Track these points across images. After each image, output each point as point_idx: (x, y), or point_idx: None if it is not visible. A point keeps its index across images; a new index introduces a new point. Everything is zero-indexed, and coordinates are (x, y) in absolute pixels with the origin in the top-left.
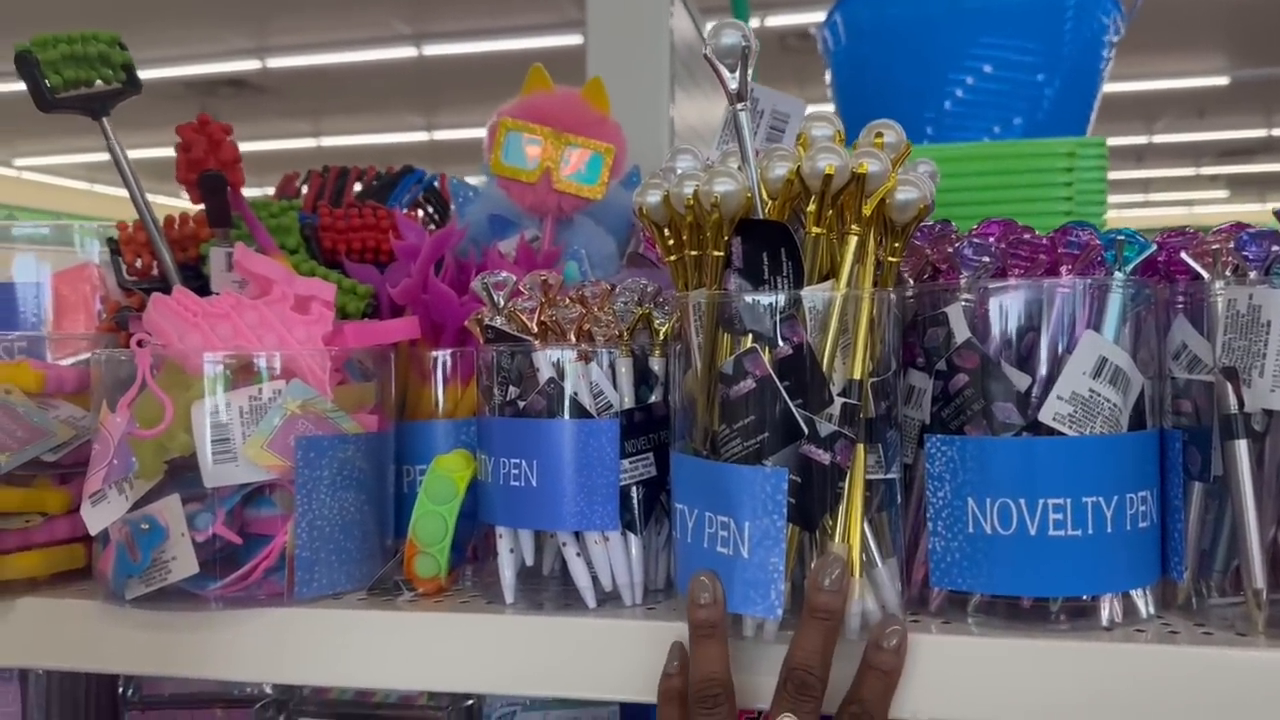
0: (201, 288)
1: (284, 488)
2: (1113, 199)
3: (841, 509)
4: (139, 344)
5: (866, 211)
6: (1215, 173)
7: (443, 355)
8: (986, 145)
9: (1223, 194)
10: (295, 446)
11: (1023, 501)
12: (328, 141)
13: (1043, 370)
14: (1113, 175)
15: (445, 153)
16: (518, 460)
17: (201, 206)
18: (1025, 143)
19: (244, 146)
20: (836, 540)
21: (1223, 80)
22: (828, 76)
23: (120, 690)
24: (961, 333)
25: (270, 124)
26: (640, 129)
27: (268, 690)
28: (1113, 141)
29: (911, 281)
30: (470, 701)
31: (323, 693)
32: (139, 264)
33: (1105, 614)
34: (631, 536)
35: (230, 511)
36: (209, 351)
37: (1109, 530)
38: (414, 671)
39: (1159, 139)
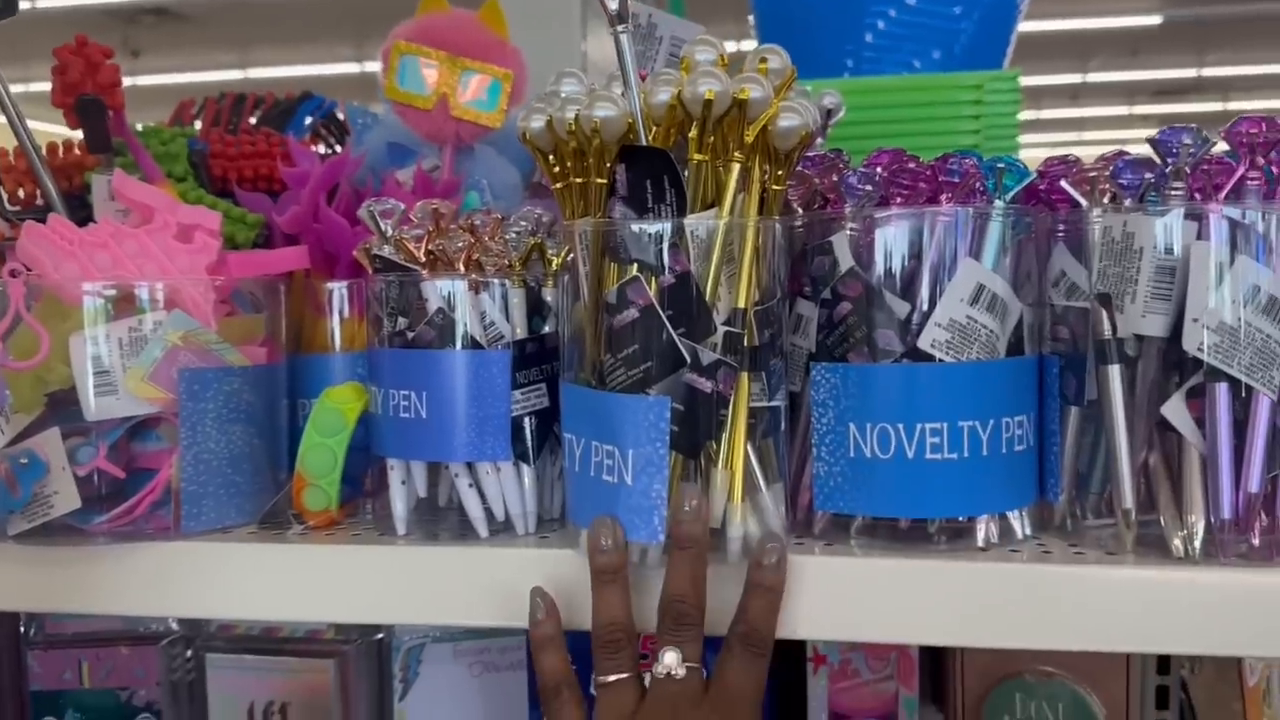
0: (88, 218)
1: (169, 421)
2: (1047, 137)
3: (725, 436)
4: (12, 274)
5: (749, 138)
6: (1148, 112)
7: (337, 288)
8: (899, 78)
9: (1155, 133)
10: (178, 379)
11: (901, 426)
12: (255, 73)
13: (923, 298)
14: (1047, 114)
15: (376, 85)
16: (407, 392)
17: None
18: (936, 76)
19: (167, 78)
20: (719, 466)
21: (1155, 20)
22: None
23: (22, 630)
24: (846, 261)
25: (195, 54)
26: (550, 62)
27: (174, 627)
28: (1047, 80)
29: (800, 210)
30: (380, 635)
31: (229, 629)
32: (21, 193)
33: (981, 535)
34: (524, 467)
35: (114, 445)
36: (86, 281)
37: (985, 453)
38: (303, 602)
39: (1093, 78)
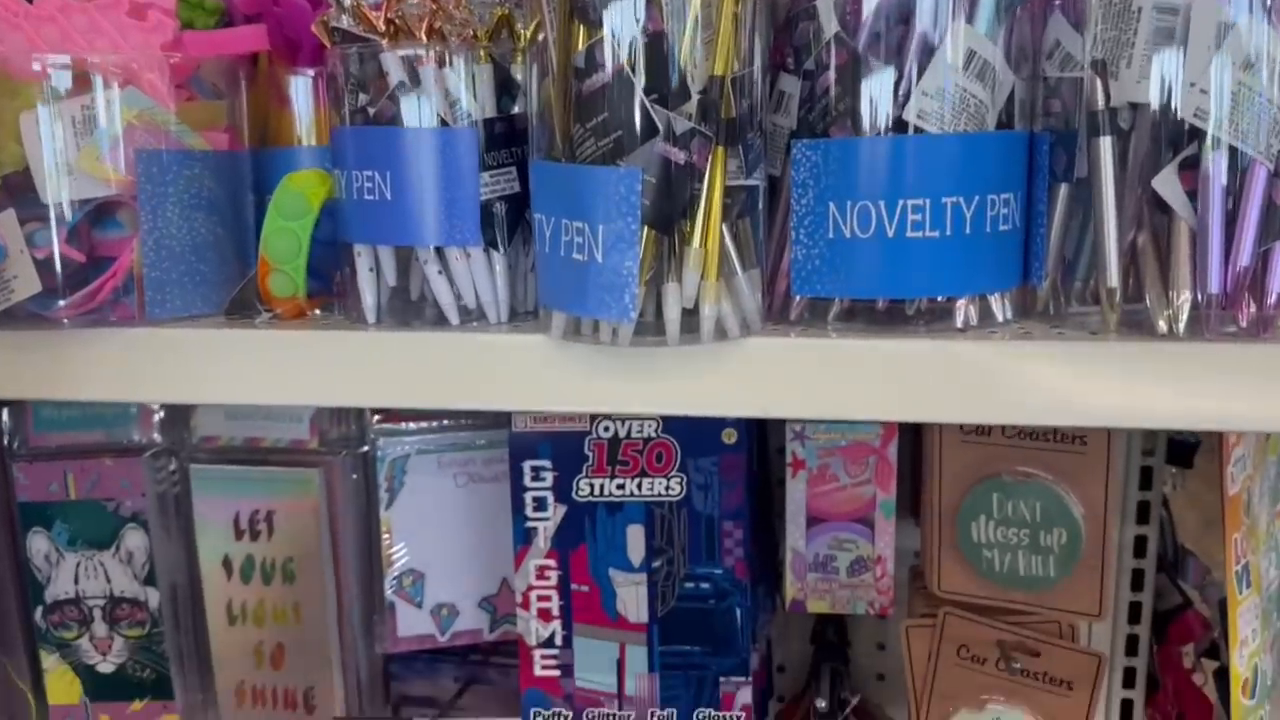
0: None
1: (129, 208)
2: None
3: (699, 212)
4: None
5: None
6: None
7: (300, 77)
8: None
9: None
10: (136, 160)
11: (882, 204)
12: None
13: (911, 66)
14: None
15: None
16: (371, 173)
17: None
18: None
19: None
20: (694, 244)
21: None
22: None
23: (5, 443)
24: (831, 27)
25: None
26: None
27: (157, 439)
28: None
29: None
30: (364, 448)
31: (212, 440)
32: None
33: (961, 317)
34: (495, 254)
35: (74, 230)
36: (35, 54)
37: (968, 232)
38: (273, 386)
39: None
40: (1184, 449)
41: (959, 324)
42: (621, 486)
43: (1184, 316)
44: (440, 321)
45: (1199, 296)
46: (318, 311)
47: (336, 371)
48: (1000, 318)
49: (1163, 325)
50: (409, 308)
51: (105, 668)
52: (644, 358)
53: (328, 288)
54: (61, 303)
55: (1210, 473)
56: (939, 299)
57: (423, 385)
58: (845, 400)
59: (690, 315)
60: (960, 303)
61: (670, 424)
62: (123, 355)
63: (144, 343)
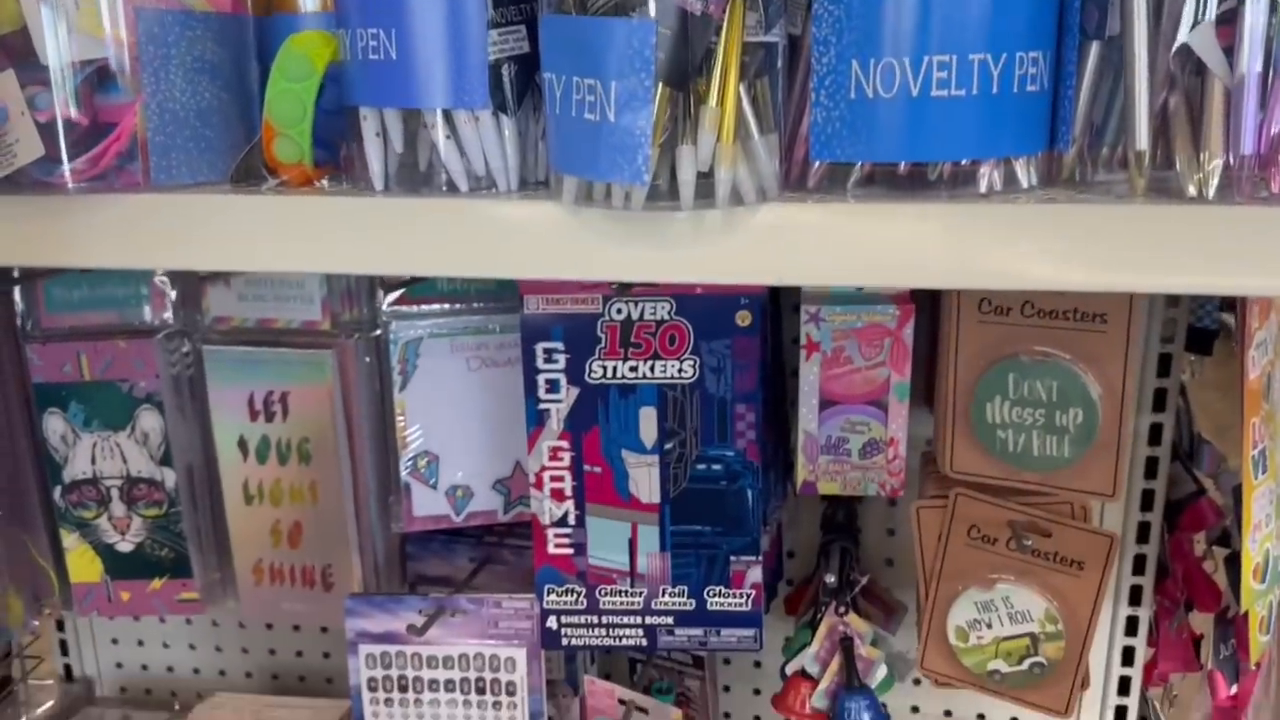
0: None
1: (132, 72)
2: None
3: (716, 68)
4: None
5: None
6: None
7: None
8: None
9: None
10: (136, 19)
11: (907, 60)
12: None
13: None
14: None
15: None
16: (375, 30)
17: None
18: None
19: None
20: (710, 103)
21: None
22: None
23: (19, 324)
24: None
25: None
26: None
27: (169, 320)
28: None
29: None
30: (377, 331)
31: (224, 320)
32: None
33: (984, 182)
34: (504, 118)
35: (76, 94)
36: None
37: (995, 91)
38: (280, 253)
39: None
40: (1203, 336)
41: (982, 189)
42: (634, 369)
43: (1215, 180)
44: (449, 191)
45: (1231, 159)
46: (324, 182)
47: (344, 239)
48: (1025, 184)
49: (1192, 189)
50: (417, 178)
51: (124, 546)
52: (657, 223)
53: (335, 159)
54: (65, 168)
55: (1229, 361)
56: (962, 163)
57: (431, 253)
58: (864, 267)
59: (705, 180)
60: (984, 168)
61: (683, 306)
62: (129, 221)
63: (150, 209)
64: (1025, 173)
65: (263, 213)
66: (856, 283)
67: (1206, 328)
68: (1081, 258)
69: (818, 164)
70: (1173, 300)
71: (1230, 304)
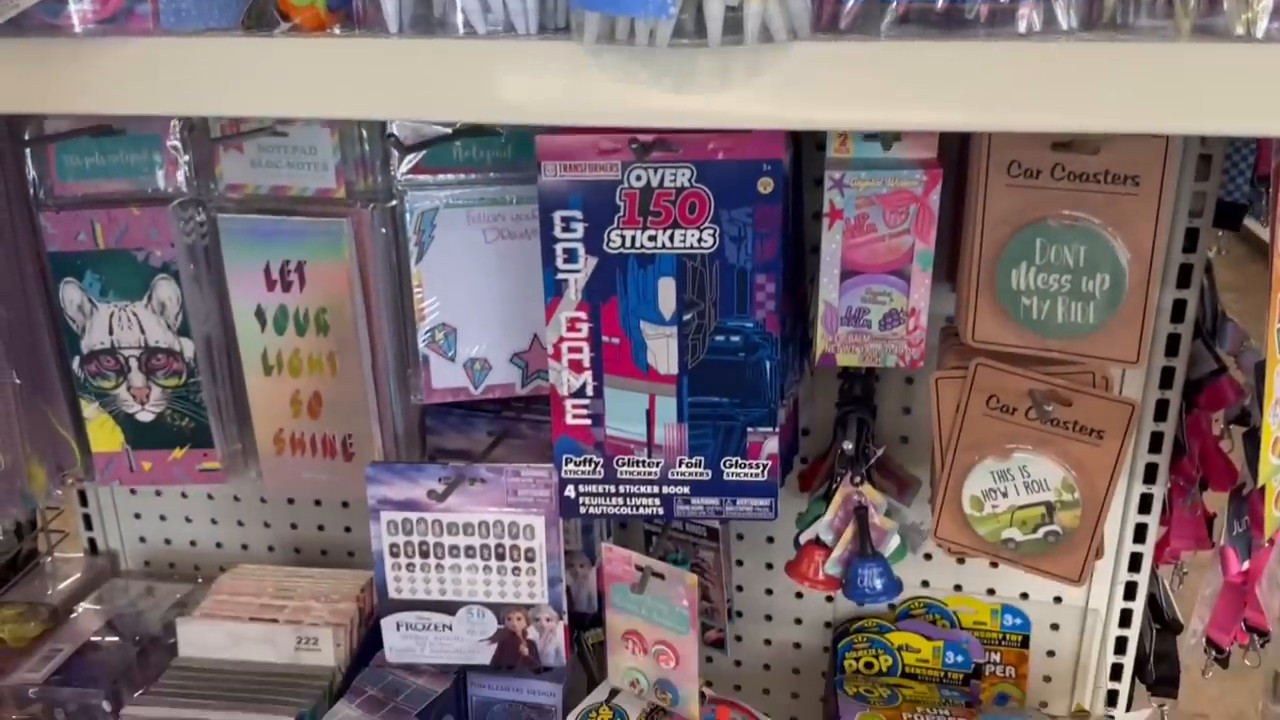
0: None
1: None
2: None
3: None
4: None
5: None
6: None
7: None
8: None
9: None
10: None
11: None
12: None
13: None
14: None
15: None
16: None
17: None
18: None
19: None
20: None
21: None
22: None
23: (32, 193)
24: None
25: None
26: None
27: (183, 189)
28: None
29: None
30: (392, 202)
31: (238, 188)
32: None
33: (1023, 22)
34: None
35: None
36: None
37: None
38: (291, 98)
39: None
40: (1233, 211)
41: (1021, 29)
42: (653, 238)
43: (1264, 19)
44: (466, 34)
45: None
46: (338, 29)
47: (358, 84)
48: (1064, 25)
49: (1240, 28)
50: (432, 20)
51: (144, 416)
52: (682, 63)
53: (347, 4)
54: (72, 8)
55: (1259, 239)
56: (1000, 1)
57: (445, 99)
58: (898, 110)
59: (733, 14)
60: (1023, 7)
61: (704, 173)
62: (139, 66)
63: (160, 52)
64: (1065, 13)
65: (275, 56)
66: (889, 126)
67: (1236, 201)
68: (1122, 98)
69: (851, 2)
70: (1203, 172)
71: (1263, 178)
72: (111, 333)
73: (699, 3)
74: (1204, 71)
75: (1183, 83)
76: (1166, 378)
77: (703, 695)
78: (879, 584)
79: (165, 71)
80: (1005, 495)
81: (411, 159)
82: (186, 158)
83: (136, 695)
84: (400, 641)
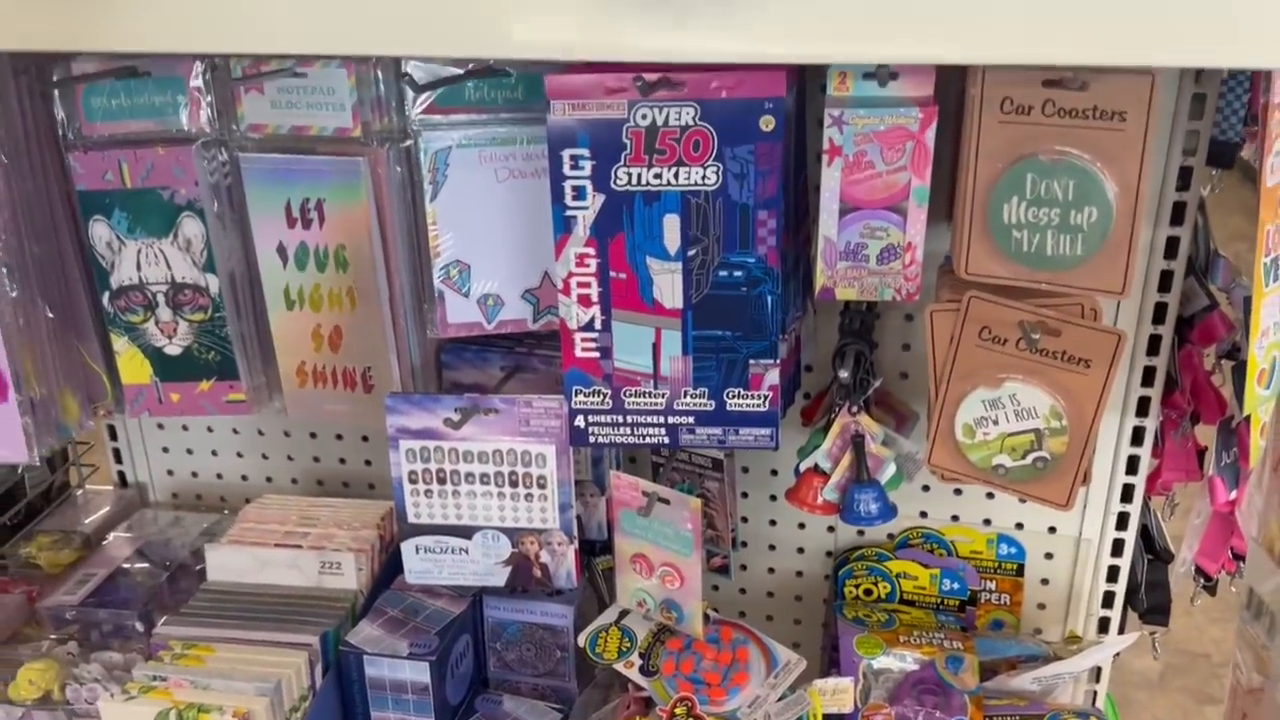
0: None
1: None
2: None
3: None
4: None
5: None
6: None
7: None
8: None
9: None
10: None
11: None
12: None
13: None
14: None
15: None
16: None
17: None
18: None
19: None
20: None
21: None
22: None
23: (60, 133)
24: None
25: None
26: None
27: (206, 129)
28: None
29: None
30: (407, 142)
31: (259, 128)
32: None
33: None
34: None
35: None
36: None
37: None
38: (311, 35)
39: None
40: (1226, 149)
41: None
42: (658, 176)
43: None
44: None
45: None
46: None
47: (377, 20)
48: None
49: None
50: None
51: (172, 350)
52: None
53: None
54: None
55: (1239, 194)
56: None
57: (462, 34)
58: (890, 45)
59: None
60: None
61: (707, 111)
62: (164, 6)
63: None
64: None
65: None
66: (882, 59)
67: (1230, 140)
68: (1107, 31)
69: None
70: (1196, 112)
71: (1255, 115)
72: (139, 269)
73: None
74: (1185, 4)
75: (1165, 15)
76: (1159, 313)
77: (707, 617)
78: (874, 508)
79: (190, 11)
80: (996, 423)
81: (425, 99)
82: (209, 98)
83: (167, 616)
84: (419, 564)
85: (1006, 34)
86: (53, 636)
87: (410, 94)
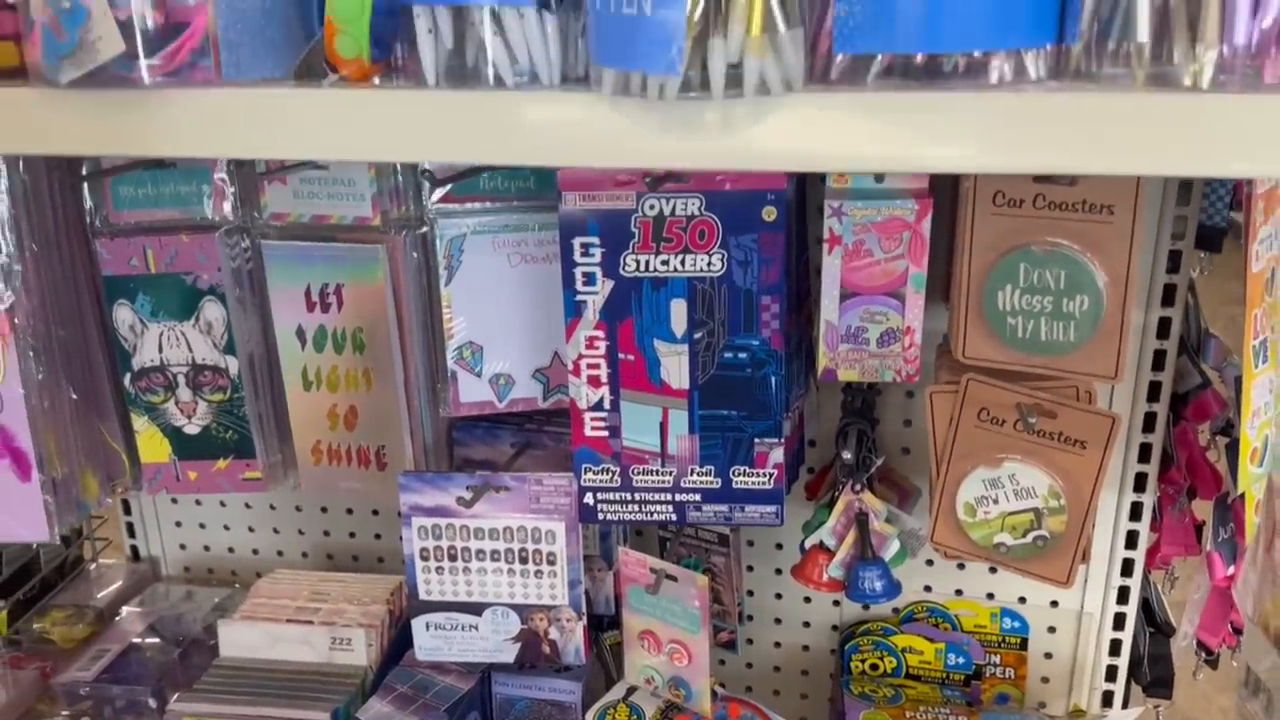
0: None
1: None
2: None
3: None
4: None
5: None
6: None
7: None
8: None
9: None
10: None
11: None
12: None
13: None
14: None
15: None
16: None
17: None
18: None
19: None
20: None
21: None
22: None
23: (88, 221)
24: None
25: None
26: None
27: (229, 217)
28: None
29: None
30: (424, 229)
31: (281, 216)
32: None
33: (995, 73)
34: (547, 15)
35: None
36: None
37: None
38: (338, 144)
39: None
40: (1213, 234)
41: (993, 80)
42: (666, 262)
43: (1209, 71)
44: (496, 85)
45: (1225, 51)
46: (379, 79)
47: (398, 130)
48: (1033, 75)
49: (1188, 80)
50: (465, 72)
51: (191, 429)
52: (689, 113)
53: (385, 52)
54: (143, 63)
55: (1238, 258)
56: (975, 55)
57: (478, 144)
58: (883, 154)
59: (734, 71)
60: (995, 59)
61: (712, 202)
62: (202, 114)
63: (222, 102)
64: (1034, 65)
65: (324, 106)
66: (876, 169)
67: (1217, 225)
68: (1085, 142)
69: (840, 57)
70: (1183, 198)
71: (1240, 202)
72: (161, 351)
73: (703, 60)
74: (1158, 119)
75: (1140, 129)
76: (1153, 391)
77: (714, 693)
78: (879, 586)
79: (225, 120)
80: (996, 502)
81: (441, 189)
82: (233, 189)
83: (181, 693)
84: (429, 641)
85: (990, 143)
86: (66, 713)
87: (427, 186)
